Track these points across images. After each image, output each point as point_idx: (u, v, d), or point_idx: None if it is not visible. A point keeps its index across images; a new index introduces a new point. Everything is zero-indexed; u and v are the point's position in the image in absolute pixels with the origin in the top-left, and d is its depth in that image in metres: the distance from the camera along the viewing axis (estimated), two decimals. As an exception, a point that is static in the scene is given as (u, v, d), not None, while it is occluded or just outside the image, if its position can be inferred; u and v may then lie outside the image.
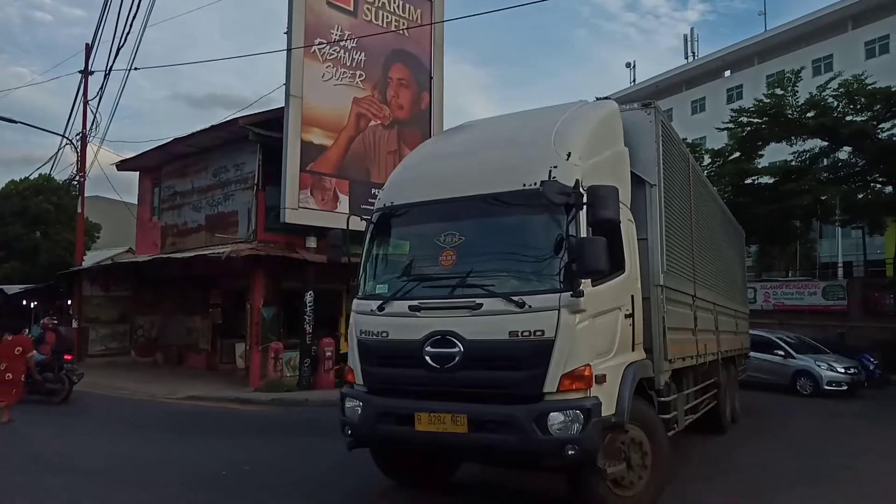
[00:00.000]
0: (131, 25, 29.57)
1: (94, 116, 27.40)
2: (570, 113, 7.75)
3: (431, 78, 23.99)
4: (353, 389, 7.31)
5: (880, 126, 25.26)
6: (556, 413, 6.14)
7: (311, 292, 18.91)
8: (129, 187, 30.15)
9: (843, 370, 19.14)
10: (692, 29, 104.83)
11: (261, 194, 20.46)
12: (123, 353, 26.45)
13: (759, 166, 29.72)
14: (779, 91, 26.86)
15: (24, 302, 33.99)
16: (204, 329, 24.80)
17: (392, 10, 22.84)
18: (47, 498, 8.26)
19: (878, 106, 24.95)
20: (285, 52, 19.87)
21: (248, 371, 19.54)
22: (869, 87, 24.92)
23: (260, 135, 20.00)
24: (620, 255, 7.05)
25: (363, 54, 21.64)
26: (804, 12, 56.35)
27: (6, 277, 37.51)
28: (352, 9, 21.59)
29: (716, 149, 30.95)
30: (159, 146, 24.23)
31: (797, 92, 26.44)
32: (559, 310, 6.21)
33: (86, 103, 27.22)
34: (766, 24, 55.94)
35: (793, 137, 27.39)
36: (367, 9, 22.05)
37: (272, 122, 20.02)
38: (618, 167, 7.76)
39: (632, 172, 8.04)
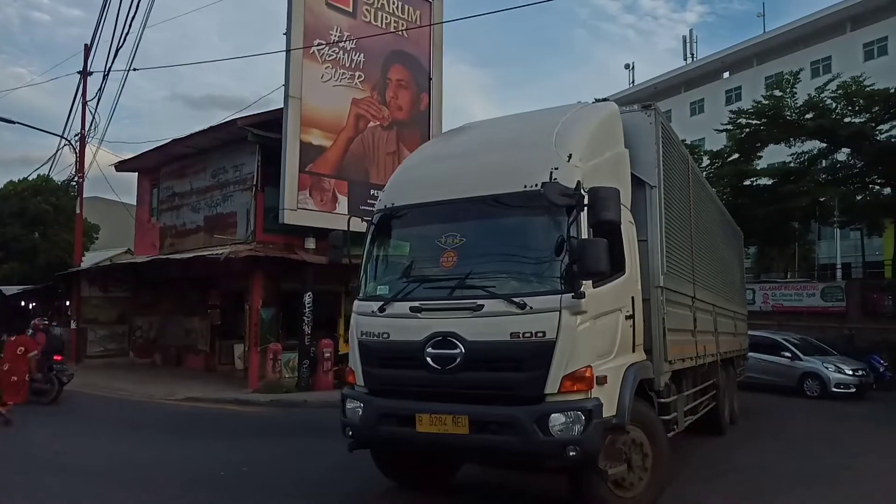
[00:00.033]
0: (130, 26, 29.45)
1: (93, 117, 27.52)
2: (571, 114, 7.76)
3: (430, 79, 23.98)
4: (354, 390, 7.31)
5: (879, 127, 25.22)
6: (557, 414, 6.15)
7: (309, 293, 18.89)
8: (127, 188, 30.13)
9: (850, 372, 19.04)
10: (691, 30, 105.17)
11: (259, 195, 20.47)
12: (122, 354, 26.44)
13: (758, 168, 29.71)
14: (777, 92, 26.86)
15: (23, 303, 34.00)
16: (202, 330, 24.78)
17: (391, 11, 22.84)
18: (47, 498, 8.26)
19: (877, 107, 24.93)
20: (284, 52, 19.88)
21: (246, 372, 19.50)
22: (867, 88, 24.90)
23: (259, 136, 20.00)
24: (621, 257, 7.05)
25: (362, 55, 21.63)
26: (803, 14, 56.74)
27: (5, 278, 37.46)
28: (351, 10, 21.59)
29: (714, 150, 30.89)
30: (158, 147, 24.23)
31: (796, 93, 26.43)
32: (560, 311, 6.22)
33: (84, 104, 27.27)
34: (764, 26, 56.04)
35: (791, 139, 27.39)
36: (367, 10, 22.05)
37: (271, 122, 20.02)
38: (618, 169, 7.77)
39: (632, 174, 8.04)
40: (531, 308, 6.29)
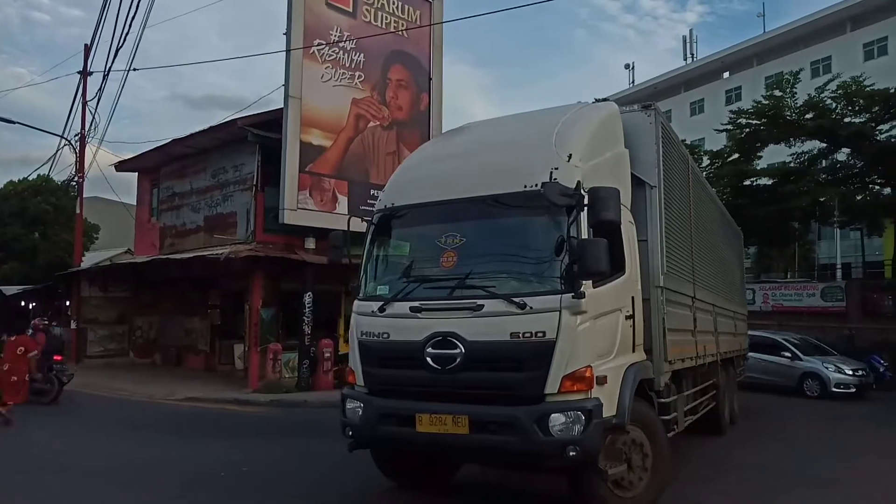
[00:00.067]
0: (130, 26, 29.47)
1: (93, 117, 27.51)
2: (571, 115, 7.76)
3: (430, 79, 23.98)
4: (354, 390, 7.31)
5: (879, 127, 25.22)
6: (557, 414, 6.16)
7: (309, 293, 18.89)
8: (127, 188, 30.13)
9: (850, 372, 19.03)
10: (691, 30, 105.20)
11: (259, 195, 20.47)
12: (122, 354, 26.44)
13: (758, 168, 29.71)
14: (777, 92, 26.85)
15: (23, 303, 33.99)
16: (202, 330, 24.78)
17: (391, 11, 22.84)
18: (47, 498, 8.26)
19: (877, 107, 24.93)
20: (284, 52, 19.87)
21: (246, 372, 19.50)
22: (867, 88, 24.90)
23: (259, 136, 20.01)
24: (621, 257, 7.05)
25: (362, 55, 21.63)
26: (803, 14, 56.67)
27: (5, 278, 37.46)
28: (351, 10, 21.59)
29: (714, 150, 30.89)
30: (158, 147, 24.23)
31: (796, 93, 26.42)
32: (560, 311, 6.22)
33: (84, 104, 27.28)
34: (764, 26, 56.04)
35: (791, 139, 27.38)
36: (367, 10, 22.05)
37: (271, 122, 20.02)
38: (618, 169, 7.77)
39: (632, 174, 8.04)
40: (531, 308, 6.28)
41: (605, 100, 8.99)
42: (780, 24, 54.14)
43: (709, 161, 30.11)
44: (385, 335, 6.97)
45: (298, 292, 19.06)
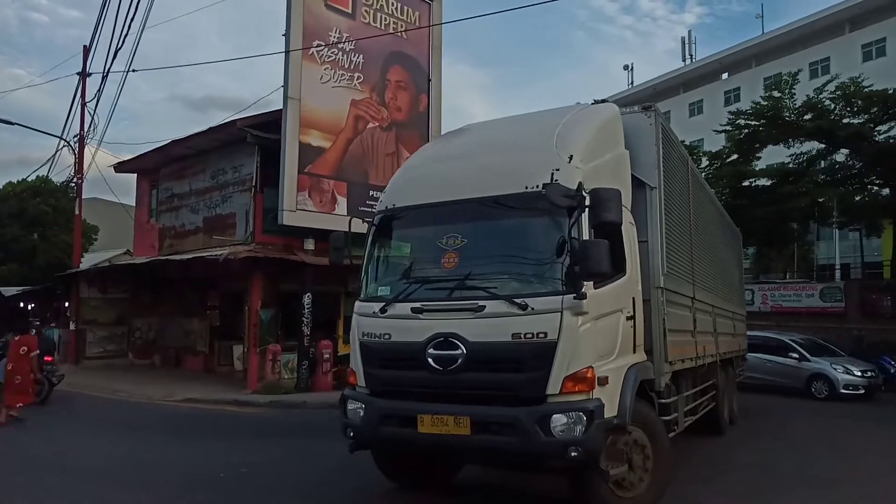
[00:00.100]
0: (129, 27, 29.53)
1: (92, 118, 27.49)
2: (572, 116, 7.78)
3: (430, 80, 23.98)
4: (356, 391, 7.31)
5: (877, 128, 25.22)
6: (559, 415, 6.16)
7: (308, 294, 18.89)
8: (126, 189, 30.14)
9: (859, 373, 18.76)
10: (690, 31, 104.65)
11: (259, 196, 20.46)
12: (121, 356, 26.37)
13: (757, 168, 29.70)
14: (776, 93, 26.84)
15: (22, 304, 33.97)
16: (202, 331, 24.76)
17: (390, 12, 22.84)
18: (47, 498, 8.27)
19: (875, 108, 24.94)
20: (283, 54, 19.87)
21: (245, 373, 19.49)
22: (866, 89, 24.90)
23: (258, 137, 20.00)
24: (622, 258, 7.06)
25: (361, 56, 21.63)
26: (801, 15, 56.54)
27: (3, 279, 37.45)
28: (350, 11, 21.59)
29: (713, 151, 30.90)
30: (157, 148, 24.22)
31: (794, 94, 26.44)
32: (562, 312, 6.23)
33: (83, 105, 27.28)
34: (763, 27, 56.32)
35: (790, 140, 27.38)
36: (366, 11, 22.05)
37: (270, 124, 20.01)
38: (619, 170, 7.78)
39: (632, 175, 8.04)
40: (532, 309, 6.29)
41: (603, 101, 9.02)
42: (779, 25, 54.33)
43: (708, 162, 30.12)
44: (386, 336, 6.97)
45: (297, 293, 19.06)
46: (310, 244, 20.06)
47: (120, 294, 26.81)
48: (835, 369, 18.83)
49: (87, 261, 31.17)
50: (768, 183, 28.96)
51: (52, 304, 31.92)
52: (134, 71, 31.83)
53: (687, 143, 30.84)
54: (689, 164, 10.87)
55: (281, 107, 19.68)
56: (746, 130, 28.04)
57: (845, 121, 25.43)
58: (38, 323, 18.23)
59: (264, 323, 19.51)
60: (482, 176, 7.13)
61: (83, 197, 28.46)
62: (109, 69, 26.13)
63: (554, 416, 6.16)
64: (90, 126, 27.40)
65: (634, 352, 7.37)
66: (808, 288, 28.40)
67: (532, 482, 8.58)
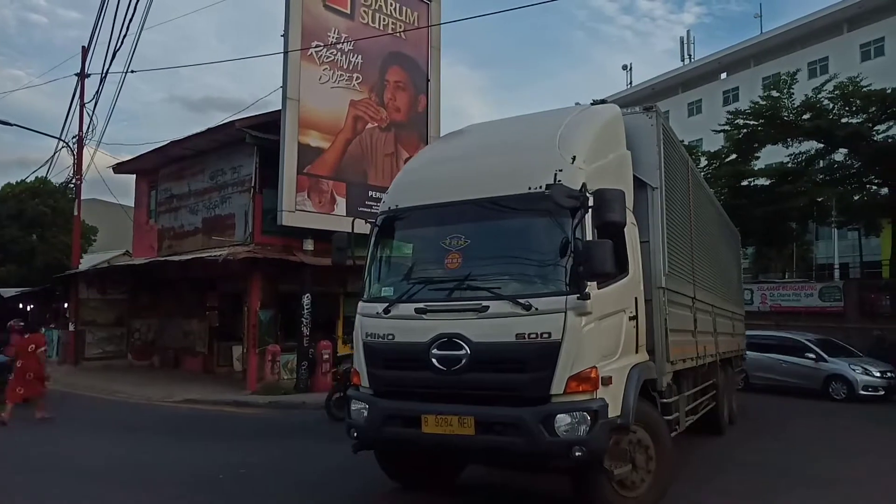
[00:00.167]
0: (128, 28, 29.58)
1: (91, 119, 27.45)
2: (574, 117, 7.79)
3: (428, 80, 23.95)
4: (359, 392, 7.30)
5: (876, 128, 25.24)
6: (563, 415, 6.17)
7: (308, 295, 18.88)
8: (125, 190, 30.17)
9: (878, 374, 18.31)
10: (688, 31, 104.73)
11: (258, 197, 20.44)
12: (120, 357, 26.35)
13: (756, 168, 29.73)
14: (775, 93, 26.85)
15: (21, 305, 33.94)
16: (201, 332, 24.74)
17: (389, 12, 22.82)
18: (47, 498, 8.27)
19: (874, 108, 24.94)
20: (282, 54, 19.86)
21: (245, 374, 19.49)
22: (864, 89, 24.91)
23: (257, 137, 19.99)
24: (624, 258, 7.06)
25: (360, 57, 21.61)
26: (800, 15, 56.73)
27: (2, 281, 37.47)
28: (349, 11, 21.56)
29: (712, 151, 30.92)
30: (156, 149, 24.19)
31: (793, 94, 26.45)
32: (566, 312, 6.23)
33: (82, 106, 27.25)
34: (762, 27, 55.94)
35: (789, 139, 27.38)
36: (364, 11, 22.03)
37: (269, 124, 20.00)
38: (621, 170, 7.78)
39: (633, 175, 8.05)
40: (536, 309, 6.29)
41: (602, 101, 9.04)
42: (778, 25, 54.23)
43: (707, 161, 30.15)
44: (390, 336, 6.97)
45: (297, 294, 19.06)
46: (309, 245, 20.04)
47: (119, 295, 26.79)
48: (853, 370, 18.41)
49: (86, 262, 31.15)
50: (767, 182, 28.99)
51: (52, 306, 31.92)
52: (133, 72, 31.65)
53: (686, 142, 30.85)
54: (689, 164, 10.89)
55: (280, 107, 19.64)
56: (745, 130, 28.06)
57: (844, 120, 25.45)
58: (21, 325, 18.26)
59: (263, 323, 19.50)
60: (485, 177, 7.13)
61: (82, 198, 28.44)
62: (108, 70, 26.26)
63: (558, 416, 6.16)
64: (89, 127, 27.39)
65: (637, 352, 7.38)
66: (807, 287, 28.39)
67: (535, 482, 8.59)
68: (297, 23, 19.93)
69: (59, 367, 23.33)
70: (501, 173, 7.05)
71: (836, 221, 30.35)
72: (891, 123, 25.31)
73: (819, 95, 25.87)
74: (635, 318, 7.34)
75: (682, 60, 62.69)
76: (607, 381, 6.40)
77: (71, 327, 25.74)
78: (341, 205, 20.53)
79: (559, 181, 6.46)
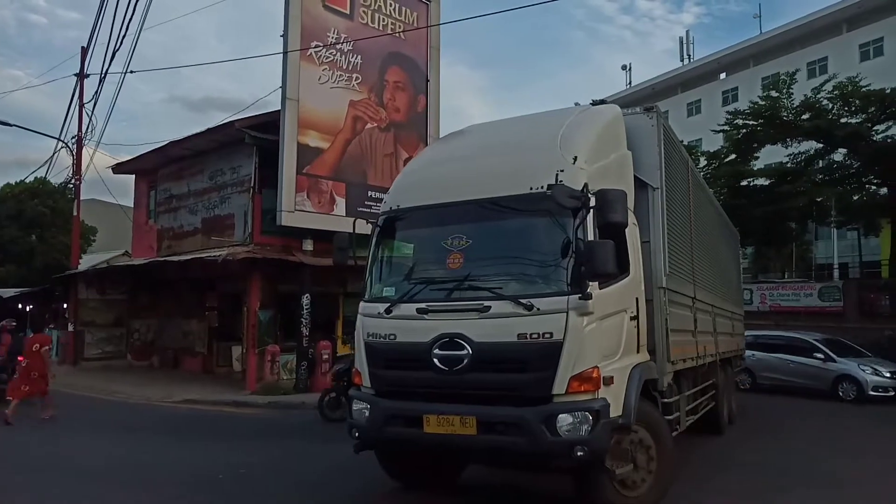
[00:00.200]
0: (127, 28, 29.56)
1: (90, 119, 27.44)
2: (575, 117, 7.81)
3: (428, 80, 23.94)
4: (361, 392, 7.30)
5: (875, 128, 25.27)
6: (565, 414, 6.17)
7: (307, 295, 18.88)
8: (125, 190, 30.19)
9: (889, 374, 17.99)
10: (688, 31, 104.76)
11: (257, 197, 20.42)
12: (119, 357, 26.34)
13: (755, 168, 29.76)
14: (774, 93, 26.88)
15: (20, 305, 33.91)
16: (200, 332, 24.73)
17: (388, 13, 22.81)
18: (47, 498, 8.28)
19: (873, 108, 24.96)
20: (281, 55, 19.84)
21: (244, 374, 19.47)
22: (863, 89, 24.93)
23: (256, 137, 19.96)
24: (625, 259, 7.07)
25: (359, 57, 21.60)
26: (799, 15, 56.64)
27: (2, 281, 37.45)
28: (348, 12, 21.55)
29: (711, 151, 30.96)
30: (155, 149, 24.18)
31: (792, 94, 26.47)
32: (567, 312, 6.24)
33: (81, 106, 27.25)
34: (761, 27, 55.93)
35: (788, 139, 27.40)
36: (364, 12, 22.02)
37: (268, 124, 19.98)
38: (622, 171, 7.78)
39: (634, 176, 8.05)
40: (538, 309, 6.30)
41: (602, 101, 9.06)
42: (777, 25, 54.23)
43: (706, 162, 30.17)
44: (392, 336, 6.97)
45: (296, 294, 19.05)
46: (308, 245, 20.03)
47: (118, 295, 26.78)
48: (863, 370, 18.10)
49: (86, 262, 31.11)
50: (766, 182, 29.01)
51: (51, 306, 31.91)
52: (132, 72, 31.59)
53: (685, 142, 30.84)
54: (689, 164, 10.90)
55: (279, 108, 19.62)
56: (744, 130, 28.07)
57: (843, 120, 25.46)
58: (14, 324, 18.31)
59: (263, 324, 19.49)
60: (486, 177, 7.14)
61: (81, 198, 28.46)
62: (107, 70, 26.26)
63: (560, 415, 6.17)
64: (88, 127, 27.40)
65: (638, 351, 7.39)
66: (807, 287, 28.40)
67: (537, 482, 8.59)
68: (296, 23, 19.93)
69: (58, 368, 23.20)
70: (503, 174, 7.05)
71: (835, 221, 30.40)
72: (890, 123, 25.34)
73: (818, 95, 25.88)
74: (636, 318, 7.35)
75: (682, 60, 62.76)
76: (609, 381, 6.41)
77: (70, 327, 25.75)
78: (341, 205, 20.52)
79: (561, 181, 6.45)
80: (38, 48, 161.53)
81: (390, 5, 22.83)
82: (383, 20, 22.64)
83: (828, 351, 18.95)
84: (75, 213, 28.12)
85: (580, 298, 6.22)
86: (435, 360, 6.59)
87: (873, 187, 27.58)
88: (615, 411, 6.44)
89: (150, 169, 25.78)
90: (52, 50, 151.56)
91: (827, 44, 46.71)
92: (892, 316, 24.65)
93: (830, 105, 25.60)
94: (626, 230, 6.99)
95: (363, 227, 7.88)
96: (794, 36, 50.54)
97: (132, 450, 11.25)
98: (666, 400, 8.02)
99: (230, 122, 20.70)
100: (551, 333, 6.23)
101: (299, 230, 19.75)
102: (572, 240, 6.41)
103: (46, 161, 55.21)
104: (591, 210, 6.37)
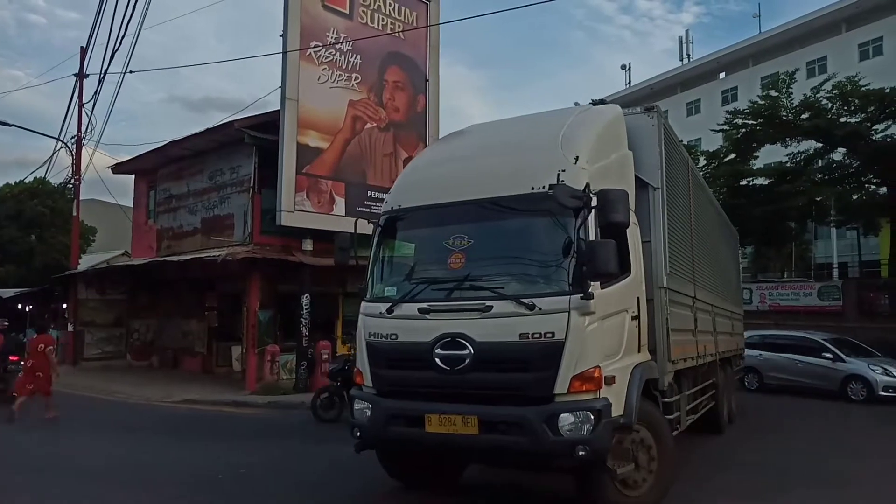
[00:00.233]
0: (126, 28, 29.55)
1: (90, 119, 27.43)
2: (576, 117, 7.82)
3: (427, 80, 23.92)
4: (362, 391, 7.31)
5: (874, 127, 25.28)
6: (566, 414, 6.18)
7: (307, 295, 18.88)
8: (124, 190, 30.22)
9: None
10: (687, 31, 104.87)
11: (257, 197, 20.40)
12: (119, 357, 26.33)
13: (755, 168, 29.74)
14: (773, 93, 26.85)
15: (20, 305, 33.91)
16: (200, 332, 24.73)
17: (388, 12, 22.79)
18: (47, 498, 8.28)
19: (872, 107, 24.96)
20: (281, 54, 19.83)
21: (244, 374, 19.47)
22: (863, 88, 24.93)
23: (256, 137, 19.95)
24: (627, 258, 7.07)
25: (359, 57, 21.58)
26: (798, 14, 56.66)
27: (1, 281, 37.45)
28: (347, 11, 21.53)
29: (711, 150, 30.96)
30: (155, 149, 24.16)
31: (791, 94, 26.46)
32: (569, 312, 6.24)
33: (81, 106, 27.23)
34: (760, 27, 55.95)
35: (787, 139, 27.40)
36: (363, 11, 22.00)
37: (268, 124, 19.96)
38: (623, 171, 7.79)
39: (635, 175, 8.05)
40: (540, 309, 6.30)
41: (601, 101, 9.05)
42: (776, 24, 54.25)
43: (705, 161, 30.15)
44: (393, 336, 6.97)
45: (296, 294, 19.05)
46: (308, 245, 20.02)
47: (118, 295, 26.77)
48: (872, 370, 17.82)
49: (85, 262, 31.11)
50: (766, 182, 29.01)
51: (50, 306, 31.87)
52: (131, 72, 31.68)
53: (685, 142, 30.82)
54: (690, 164, 10.90)
55: (279, 107, 19.61)
56: (744, 130, 28.06)
57: (842, 120, 25.46)
58: (6, 324, 18.36)
59: (262, 324, 19.48)
60: (487, 177, 7.14)
61: (81, 198, 28.47)
62: (107, 70, 26.29)
63: (562, 415, 6.18)
64: (87, 127, 27.40)
65: (639, 351, 7.39)
66: (806, 287, 28.44)
67: (538, 481, 8.59)
68: (295, 23, 19.91)
69: (58, 368, 23.26)
70: (504, 173, 7.05)
71: (834, 221, 30.42)
72: (889, 123, 25.35)
73: (818, 95, 25.88)
74: (638, 317, 7.35)
75: (681, 60, 62.74)
76: (610, 381, 6.42)
77: (70, 328, 25.74)
78: (340, 205, 20.51)
79: (562, 181, 6.45)
80: (37, 48, 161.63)
81: (390, 5, 22.82)
82: (383, 20, 22.62)
83: (837, 351, 18.74)
84: (75, 213, 28.12)
85: (582, 298, 6.22)
86: (436, 360, 6.59)
87: (872, 187, 27.61)
88: (617, 411, 6.44)
89: (149, 169, 25.77)
90: (51, 50, 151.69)
91: (826, 43, 46.75)
92: (892, 315, 24.69)
93: (830, 104, 25.60)
94: (628, 230, 6.99)
95: (364, 227, 7.88)
96: (793, 35, 50.58)
97: (132, 450, 11.25)
98: (667, 399, 8.03)
99: (230, 122, 20.70)
100: (553, 333, 6.24)
101: (299, 230, 19.74)
102: (574, 240, 6.41)
103: (46, 161, 55.17)
104: (593, 210, 6.38)
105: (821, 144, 27.04)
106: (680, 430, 8.79)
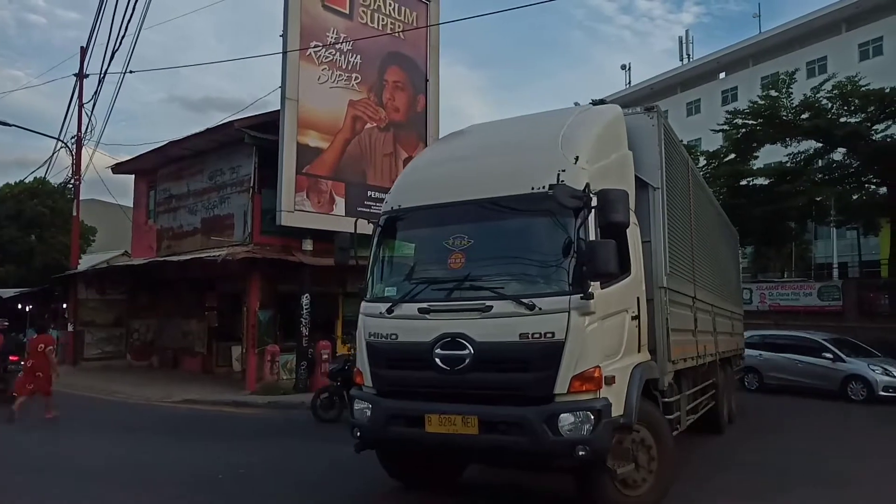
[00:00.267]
0: (126, 28, 29.55)
1: (90, 119, 27.43)
2: (576, 117, 7.82)
3: (427, 80, 23.92)
4: (362, 391, 7.31)
5: (874, 127, 25.28)
6: (566, 414, 6.18)
7: (307, 295, 18.88)
8: (124, 190, 30.23)
9: None
10: (687, 31, 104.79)
11: (257, 197, 20.40)
12: (119, 357, 26.33)
13: (755, 168, 29.74)
14: (773, 93, 26.85)
15: (20, 305, 33.92)
16: (200, 332, 24.73)
17: (388, 12, 22.78)
18: (47, 498, 8.28)
19: (872, 107, 24.96)
20: (281, 54, 19.83)
21: (244, 374, 19.47)
22: (863, 88, 24.93)
23: (256, 137, 19.95)
24: (627, 258, 7.06)
25: (359, 57, 21.58)
26: (798, 14, 56.68)
27: (1, 281, 37.44)
28: (347, 11, 21.53)
29: (711, 150, 30.96)
30: (155, 149, 24.16)
31: (791, 93, 26.46)
32: (569, 312, 6.24)
33: (81, 106, 27.22)
34: (760, 27, 55.95)
35: (787, 139, 27.40)
36: (363, 11, 22.00)
37: (268, 124, 19.96)
38: (623, 171, 7.78)
39: (635, 175, 8.04)
40: (540, 309, 6.30)
41: (601, 101, 9.06)
42: (776, 24, 54.25)
43: (705, 161, 30.14)
44: (393, 336, 6.97)
45: (296, 294, 19.04)
46: (308, 245, 20.02)
47: (118, 295, 26.77)
48: (872, 370, 17.79)
49: (85, 262, 31.11)
50: (766, 182, 29.01)
51: (50, 306, 31.88)
52: (131, 72, 31.69)
53: (685, 142, 30.82)
54: (690, 164, 10.90)
55: (279, 107, 19.61)
56: (744, 130, 28.05)
57: (842, 120, 25.45)
58: (6, 324, 18.37)
59: (262, 324, 19.48)
60: (487, 177, 7.14)
61: (81, 198, 28.46)
62: (107, 70, 26.28)
63: (562, 415, 6.18)
64: (88, 127, 27.41)
65: (639, 351, 7.39)
66: (806, 287, 28.44)
67: (538, 481, 8.58)
68: (295, 23, 19.91)
69: (58, 368, 23.27)
70: (504, 174, 7.05)
71: (834, 221, 30.42)
72: (889, 123, 25.34)
73: (818, 95, 25.88)
74: (638, 317, 7.35)
75: (681, 60, 62.74)
76: (610, 381, 6.42)
77: (70, 328, 25.74)
78: (340, 205, 20.51)
79: (562, 181, 6.45)
80: (37, 48, 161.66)
81: (390, 5, 22.82)
82: (383, 20, 22.62)
83: (837, 351, 18.73)
84: (75, 213, 28.12)
85: (582, 298, 6.22)
86: (437, 360, 6.59)
87: (872, 186, 27.61)
88: (617, 411, 6.44)
89: (149, 169, 25.77)
90: (51, 50, 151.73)
91: (826, 43, 46.74)
92: (892, 315, 24.68)
93: (830, 104, 25.59)
94: (628, 230, 6.99)
95: (364, 227, 7.88)
96: (793, 35, 50.57)
97: (132, 450, 11.24)
98: (667, 399, 8.02)
99: (230, 122, 20.69)
100: (553, 333, 6.24)
101: (299, 230, 19.74)
102: (574, 240, 6.41)
103: (46, 161, 55.20)
104: (593, 210, 6.38)
105: (821, 144, 27.04)
106: (680, 430, 8.78)
